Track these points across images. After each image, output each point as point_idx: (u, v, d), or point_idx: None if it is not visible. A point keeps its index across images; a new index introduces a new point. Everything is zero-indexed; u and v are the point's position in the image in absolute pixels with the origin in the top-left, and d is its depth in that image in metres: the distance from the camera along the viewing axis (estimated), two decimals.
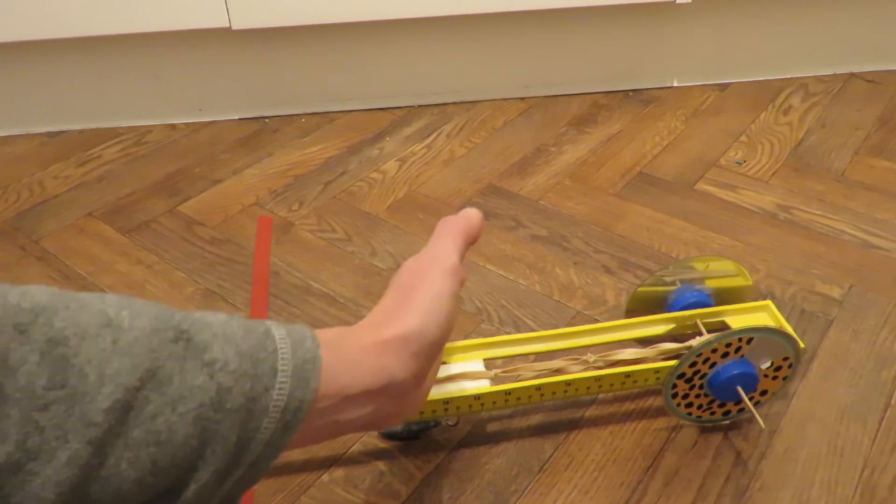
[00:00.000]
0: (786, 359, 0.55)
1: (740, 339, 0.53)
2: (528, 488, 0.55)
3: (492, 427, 0.60)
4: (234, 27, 0.91)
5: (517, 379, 0.54)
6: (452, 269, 0.38)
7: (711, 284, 0.61)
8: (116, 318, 0.27)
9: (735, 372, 0.54)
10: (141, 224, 0.84)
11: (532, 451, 0.58)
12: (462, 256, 0.40)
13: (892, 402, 0.61)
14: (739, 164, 0.91)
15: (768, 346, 0.54)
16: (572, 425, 0.60)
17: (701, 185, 0.88)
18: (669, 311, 0.61)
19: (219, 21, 0.91)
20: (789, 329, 0.55)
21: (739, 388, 0.54)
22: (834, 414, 0.60)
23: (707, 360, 0.54)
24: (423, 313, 0.36)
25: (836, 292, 0.72)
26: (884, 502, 0.54)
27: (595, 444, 0.58)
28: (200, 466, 0.28)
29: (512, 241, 0.80)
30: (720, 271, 0.61)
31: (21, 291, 0.26)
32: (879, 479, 0.55)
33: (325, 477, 0.56)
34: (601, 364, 0.55)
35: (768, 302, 0.59)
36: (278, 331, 0.32)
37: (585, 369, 0.55)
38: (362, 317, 0.71)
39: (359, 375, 0.33)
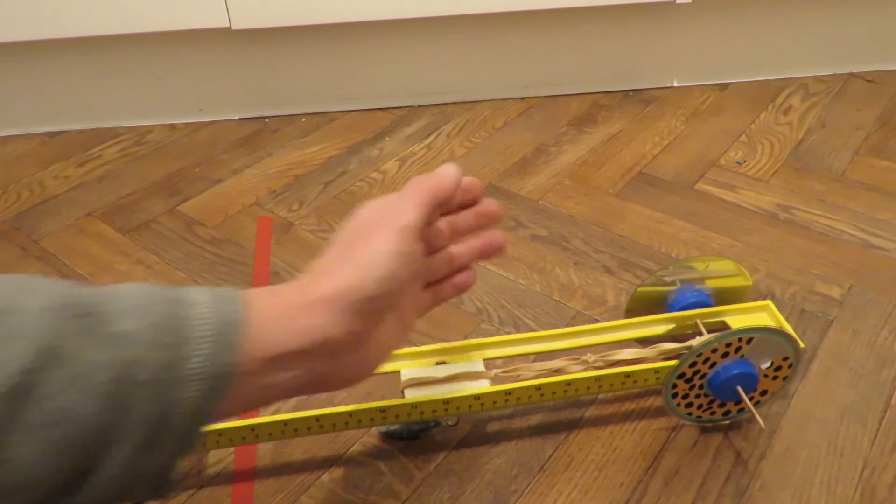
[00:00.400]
0: (786, 359, 0.55)
1: (740, 339, 0.53)
2: (528, 488, 0.55)
3: (492, 427, 0.60)
4: (234, 27, 0.91)
5: (517, 379, 0.54)
6: (405, 228, 0.36)
7: (711, 284, 0.61)
8: (12, 303, 0.27)
9: (735, 372, 0.54)
10: (141, 224, 0.84)
11: (532, 451, 0.58)
12: (427, 218, 0.38)
13: (892, 402, 0.61)
14: (739, 164, 0.91)
15: (768, 346, 0.54)
16: (572, 425, 0.60)
17: (701, 185, 0.88)
18: (669, 311, 0.61)
19: (219, 21, 0.91)
20: (789, 329, 0.55)
21: (739, 388, 0.54)
22: (834, 414, 0.60)
23: (707, 360, 0.54)
24: (359, 269, 0.34)
25: (836, 292, 0.72)
26: (884, 502, 0.54)
27: (595, 444, 0.58)
28: (116, 440, 0.28)
29: (512, 241, 0.80)
30: (720, 271, 0.61)
31: None
32: (879, 479, 0.55)
33: (325, 477, 0.56)
34: (601, 364, 0.55)
35: (768, 302, 0.59)
36: (201, 296, 0.31)
37: (585, 369, 0.55)
38: None
39: (288, 335, 0.32)
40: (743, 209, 0.83)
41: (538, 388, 0.54)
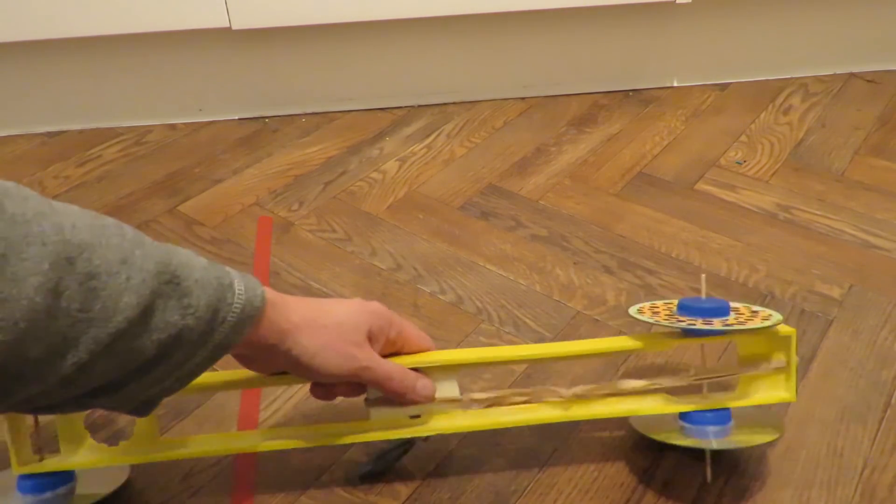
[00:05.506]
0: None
1: None
2: (528, 488, 0.55)
3: None
4: (234, 27, 0.91)
5: (492, 405, 0.53)
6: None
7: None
8: (131, 256, 0.37)
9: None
10: (141, 224, 0.84)
11: (532, 451, 0.58)
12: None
13: (892, 402, 0.61)
14: (739, 164, 0.91)
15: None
16: (573, 425, 0.60)
17: (701, 185, 0.88)
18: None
19: (219, 21, 0.91)
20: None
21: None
22: (834, 414, 0.60)
23: None
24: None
25: (836, 292, 0.72)
26: (884, 502, 0.54)
27: (595, 443, 0.58)
28: (152, 371, 0.40)
29: (512, 241, 0.80)
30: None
31: (72, 225, 0.36)
32: (879, 479, 0.55)
33: (325, 477, 0.56)
34: (577, 398, 0.54)
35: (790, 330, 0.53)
36: (239, 284, 0.42)
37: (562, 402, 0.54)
38: None
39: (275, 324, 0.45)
40: (743, 209, 0.83)
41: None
